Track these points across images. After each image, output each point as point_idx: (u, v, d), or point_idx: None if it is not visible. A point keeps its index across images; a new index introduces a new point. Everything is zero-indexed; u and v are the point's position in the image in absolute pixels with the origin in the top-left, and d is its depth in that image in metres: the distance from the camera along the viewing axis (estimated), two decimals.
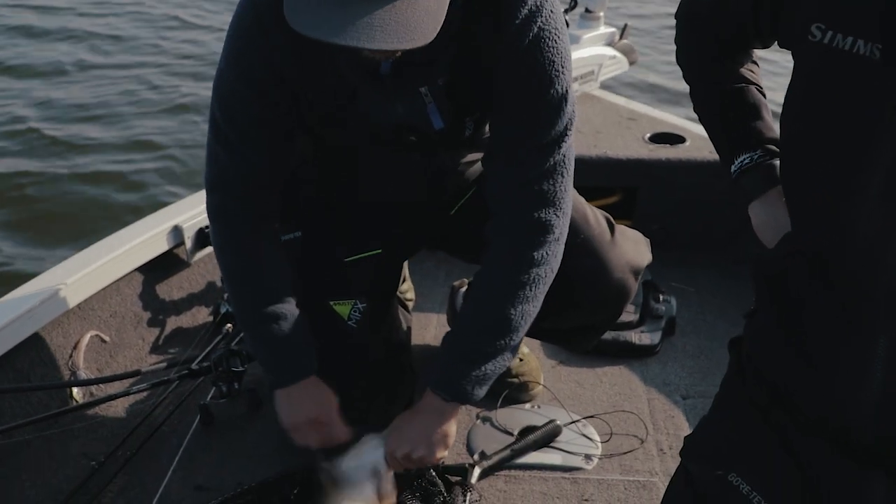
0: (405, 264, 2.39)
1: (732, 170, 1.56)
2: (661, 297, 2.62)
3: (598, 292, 1.92)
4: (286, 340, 1.80)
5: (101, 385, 2.28)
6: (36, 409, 2.14)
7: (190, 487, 2.01)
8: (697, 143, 3.09)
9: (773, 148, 1.51)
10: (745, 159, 1.53)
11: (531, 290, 1.70)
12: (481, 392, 1.72)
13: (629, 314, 2.54)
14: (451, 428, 1.78)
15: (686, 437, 1.50)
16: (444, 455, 1.80)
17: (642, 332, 2.52)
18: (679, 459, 1.46)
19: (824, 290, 1.29)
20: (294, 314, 1.80)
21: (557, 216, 1.70)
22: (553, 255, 1.71)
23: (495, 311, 1.69)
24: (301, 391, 1.81)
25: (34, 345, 2.22)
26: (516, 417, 2.21)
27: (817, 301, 1.31)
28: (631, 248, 1.98)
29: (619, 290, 1.94)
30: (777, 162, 1.47)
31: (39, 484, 2.01)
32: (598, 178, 2.98)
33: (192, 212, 2.59)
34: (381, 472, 1.77)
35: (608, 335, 2.49)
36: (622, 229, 2.02)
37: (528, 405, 2.28)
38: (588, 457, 2.08)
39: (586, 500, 1.96)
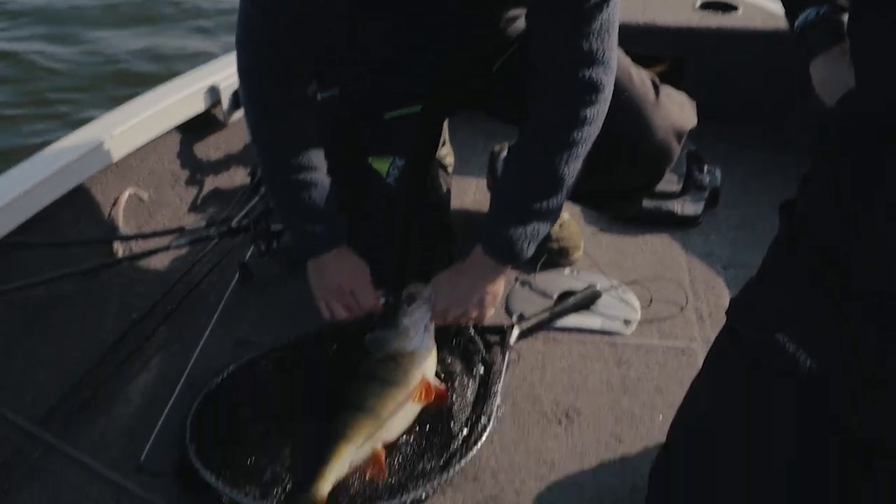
0: (445, 128, 2.33)
1: (796, 24, 1.49)
2: (705, 168, 2.55)
3: (641, 153, 1.86)
4: (317, 208, 1.77)
5: (140, 242, 2.27)
6: (76, 265, 2.14)
7: (229, 342, 2.02)
8: (750, 11, 2.96)
9: (842, 2, 1.43)
10: (810, 13, 1.46)
11: (578, 149, 1.65)
12: (529, 250, 1.70)
13: (672, 184, 2.48)
14: (499, 287, 1.76)
15: (732, 299, 1.46)
16: (490, 314, 1.77)
17: (685, 202, 2.47)
18: (718, 327, 1.42)
19: (891, 151, 1.23)
20: (325, 182, 1.76)
21: (606, 74, 1.63)
22: (600, 115, 1.66)
23: (543, 168, 1.64)
24: (332, 261, 1.79)
25: (73, 200, 2.21)
26: (555, 282, 2.18)
27: (881, 162, 1.25)
28: (676, 110, 1.90)
29: (662, 151, 1.87)
30: (844, 17, 1.40)
31: (82, 336, 2.03)
32: (645, 45, 2.87)
33: (228, 71, 2.53)
34: (429, 328, 1.76)
35: (650, 204, 2.44)
36: (667, 90, 1.94)
37: (567, 270, 2.25)
38: (627, 322, 2.06)
39: (624, 362, 1.94)
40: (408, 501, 1.57)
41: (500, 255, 1.70)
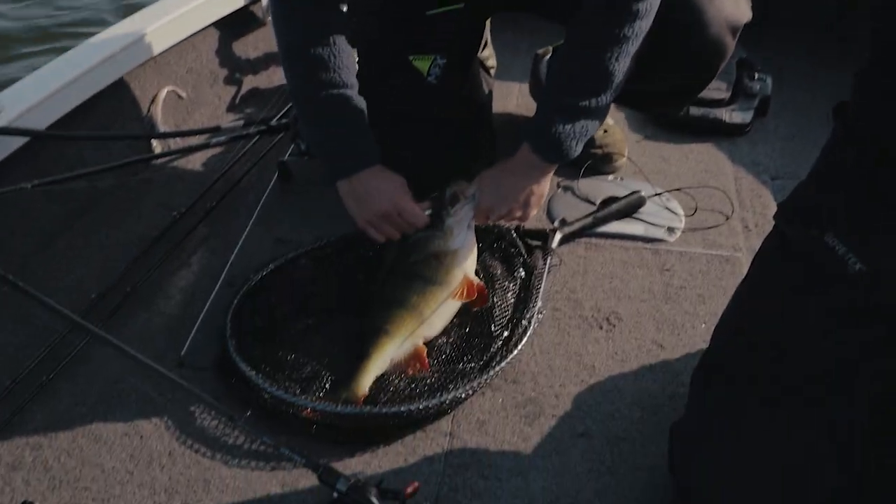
0: (487, 29, 2.26)
1: None
2: (755, 76, 2.46)
3: (693, 48, 1.77)
4: (349, 124, 1.70)
5: (179, 139, 2.25)
6: (116, 159, 2.12)
7: (269, 240, 2.00)
8: None
9: None
10: None
11: (629, 45, 1.58)
12: (577, 149, 1.65)
13: (720, 91, 2.40)
14: (544, 188, 1.73)
15: (781, 203, 1.41)
16: (534, 215, 1.76)
17: (733, 110, 2.39)
18: (763, 236, 1.38)
19: None
20: (357, 98, 1.70)
21: None
22: (652, 8, 1.58)
23: (593, 64, 1.58)
24: (370, 181, 1.72)
25: (113, 95, 2.18)
26: (598, 188, 2.14)
27: None
28: (730, 3, 1.81)
29: (716, 45, 1.79)
30: None
31: (123, 231, 2.03)
32: None
33: None
34: (471, 227, 1.73)
35: (697, 111, 2.37)
36: None
37: (610, 177, 2.20)
38: (671, 229, 2.01)
39: (667, 269, 1.91)
40: (447, 401, 1.56)
41: (547, 153, 1.66)
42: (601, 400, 1.61)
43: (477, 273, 1.78)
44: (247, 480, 1.48)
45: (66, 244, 1.98)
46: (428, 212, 1.73)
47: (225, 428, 1.56)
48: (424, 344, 1.65)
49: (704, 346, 1.66)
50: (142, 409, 1.60)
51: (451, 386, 1.58)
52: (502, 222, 1.84)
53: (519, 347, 1.67)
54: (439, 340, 1.69)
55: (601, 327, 1.77)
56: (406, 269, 1.71)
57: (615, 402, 1.61)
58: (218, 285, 1.85)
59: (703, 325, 1.77)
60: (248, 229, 2.01)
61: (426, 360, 1.62)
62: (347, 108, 1.68)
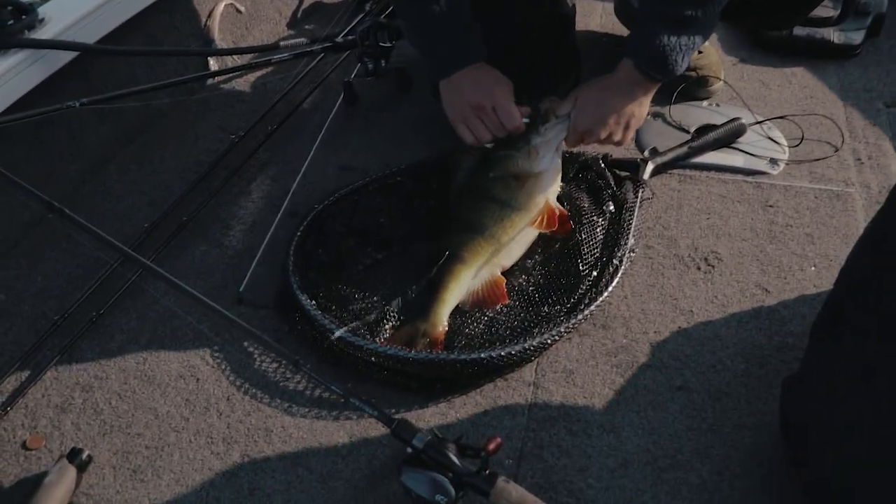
0: None
1: None
2: None
3: None
4: (452, 20, 1.56)
5: (237, 57, 2.08)
6: (170, 77, 1.96)
7: (334, 166, 1.84)
8: None
9: None
10: None
11: None
12: (683, 64, 1.47)
13: (828, 8, 2.16)
14: (645, 109, 1.57)
15: None
16: (631, 140, 1.60)
17: (842, 29, 2.15)
18: (879, 171, 1.17)
19: None
20: None
21: None
22: None
23: None
24: (469, 76, 1.58)
25: (168, 8, 2.03)
26: (693, 115, 1.93)
27: None
28: None
29: None
30: None
31: (180, 153, 1.89)
32: None
33: None
34: (559, 149, 1.56)
35: (801, 31, 2.14)
36: None
37: (705, 103, 1.99)
38: (774, 161, 1.81)
39: (771, 206, 1.71)
40: (531, 347, 1.40)
41: (651, 66, 1.48)
42: (700, 349, 1.44)
43: (560, 202, 1.61)
44: (311, 431, 1.35)
45: (118, 168, 1.84)
46: (525, 120, 1.56)
47: (287, 372, 1.43)
48: (502, 274, 1.51)
49: (814, 291, 1.49)
50: (198, 349, 1.47)
51: (535, 330, 1.42)
52: (592, 148, 1.65)
53: (609, 289, 1.51)
54: (521, 279, 1.53)
55: (699, 268, 1.58)
56: (483, 189, 1.57)
57: (716, 352, 1.43)
58: (279, 215, 1.71)
59: (813, 268, 1.58)
60: (311, 155, 1.86)
61: (504, 291, 1.48)
62: (446, 3, 1.53)
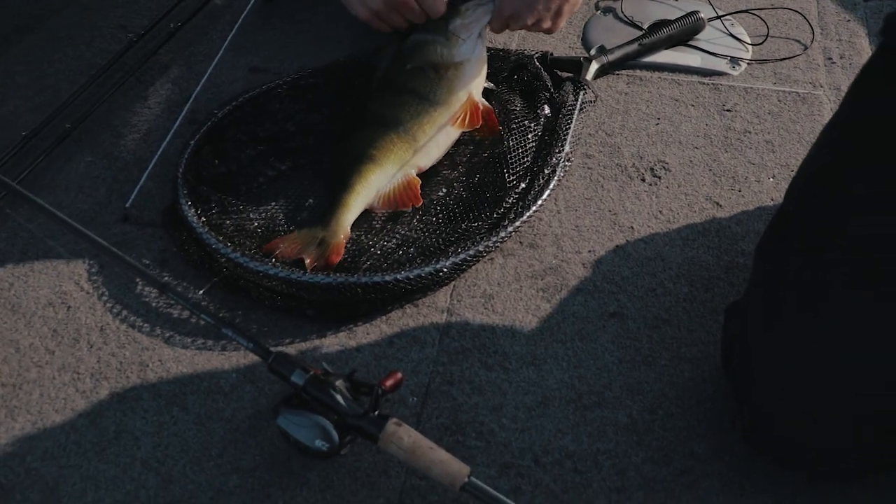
0: None
1: None
2: None
3: None
4: None
5: None
6: None
7: (244, 68, 1.63)
8: None
9: None
10: None
11: None
12: None
13: None
14: None
15: (888, 14, 1.00)
16: (562, 25, 1.42)
17: None
18: (851, 72, 0.98)
19: None
20: None
21: None
22: None
23: None
24: None
25: None
26: (648, 9, 1.72)
27: None
28: None
29: None
30: None
31: (71, 56, 1.67)
32: None
33: None
34: (483, 36, 1.38)
35: None
36: None
37: None
38: (734, 60, 1.61)
39: (728, 110, 1.51)
40: (446, 267, 1.21)
41: None
42: (640, 271, 1.26)
43: (486, 98, 1.42)
44: (192, 365, 1.17)
45: (2, 70, 1.61)
46: None
47: (170, 298, 1.23)
48: (418, 175, 1.34)
49: (772, 204, 1.31)
50: (72, 272, 1.28)
51: (451, 249, 1.23)
52: (529, 44, 1.44)
53: (539, 202, 1.31)
54: (441, 192, 1.34)
55: (643, 179, 1.39)
56: (398, 82, 1.39)
57: (657, 274, 1.25)
58: (178, 122, 1.50)
59: (771, 180, 1.39)
60: (218, 56, 1.64)
61: (418, 193, 1.31)
62: None
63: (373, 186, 1.31)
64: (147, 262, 1.30)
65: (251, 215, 1.32)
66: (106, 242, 1.10)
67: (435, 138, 1.36)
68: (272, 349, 1.03)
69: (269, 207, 1.35)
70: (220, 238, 1.26)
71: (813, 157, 1.06)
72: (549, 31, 1.42)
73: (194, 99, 1.55)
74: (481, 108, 1.38)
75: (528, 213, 1.30)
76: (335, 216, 1.27)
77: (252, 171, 1.40)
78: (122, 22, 1.74)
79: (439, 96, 1.36)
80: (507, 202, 1.31)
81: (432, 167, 1.38)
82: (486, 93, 1.45)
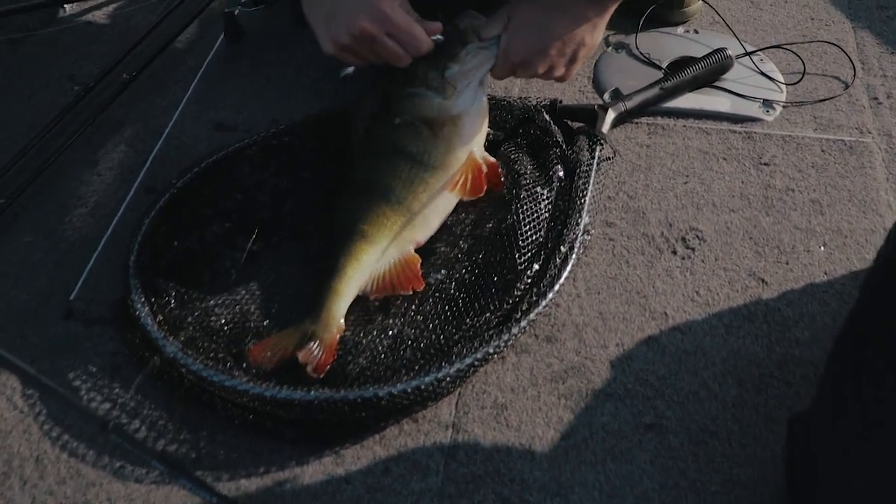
0: None
1: None
2: None
3: None
4: None
5: None
6: (8, 16, 1.54)
7: (208, 125, 1.45)
8: None
9: None
10: None
11: None
12: None
13: None
14: (596, 34, 1.20)
15: None
16: (573, 72, 1.24)
17: None
18: None
19: None
20: None
21: None
22: None
23: None
24: None
25: None
26: (664, 45, 1.55)
27: None
28: None
29: None
30: None
31: (7, 115, 1.47)
32: None
33: None
34: (485, 84, 1.21)
35: None
36: None
37: (681, 29, 1.60)
38: (768, 103, 1.43)
39: (766, 163, 1.33)
40: (450, 375, 1.02)
41: None
42: (678, 369, 1.08)
43: (491, 149, 1.27)
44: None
45: None
46: (436, 38, 1.15)
47: (124, 416, 1.05)
48: (417, 251, 1.17)
49: (825, 279, 1.13)
50: (3, 387, 1.09)
51: (455, 351, 1.04)
52: (536, 89, 1.27)
53: (556, 287, 1.12)
54: (439, 275, 1.15)
55: (674, 252, 1.21)
56: (387, 141, 1.21)
57: (699, 371, 1.07)
58: (132, 192, 1.31)
59: (822, 248, 1.21)
60: (179, 109, 1.45)
61: (419, 272, 1.14)
62: None
63: (366, 268, 1.13)
64: (94, 369, 1.10)
65: (217, 310, 1.13)
66: (32, 370, 0.91)
67: (433, 206, 1.19)
68: (220, 493, 0.84)
69: (239, 298, 1.16)
70: (180, 342, 1.07)
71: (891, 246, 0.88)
72: (561, 80, 1.24)
73: (151, 162, 1.37)
74: (485, 169, 1.20)
75: (544, 303, 1.11)
76: (325, 306, 1.09)
77: (218, 253, 1.21)
78: (68, 71, 1.55)
79: (435, 157, 1.19)
80: (518, 288, 1.12)
81: (427, 244, 1.20)
82: (491, 144, 1.27)
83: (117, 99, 1.46)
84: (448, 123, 1.19)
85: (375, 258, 1.14)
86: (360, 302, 1.13)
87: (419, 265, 1.15)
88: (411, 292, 1.13)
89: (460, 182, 1.19)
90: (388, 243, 1.15)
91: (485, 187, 1.20)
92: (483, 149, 1.24)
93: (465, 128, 1.20)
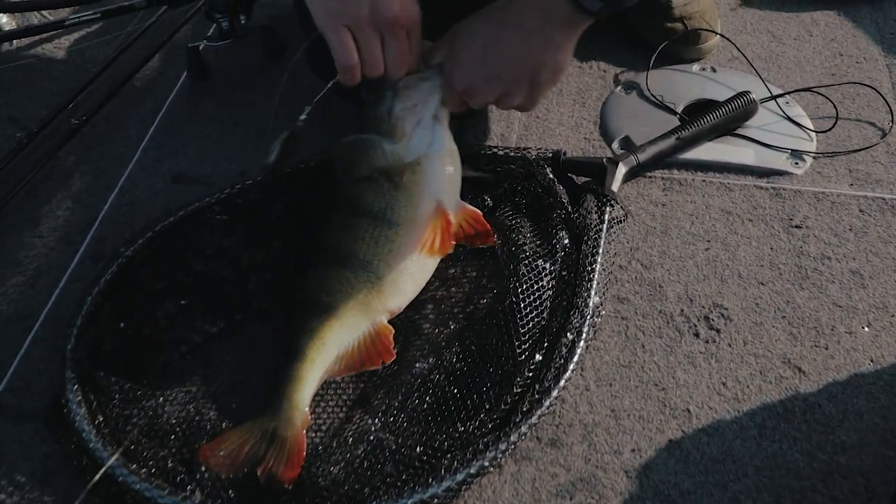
0: None
1: None
2: None
3: None
4: None
5: (38, 14, 1.50)
6: None
7: (166, 177, 1.30)
8: None
9: None
10: None
11: None
12: None
13: None
14: (562, 54, 1.02)
15: None
16: (540, 100, 1.08)
17: None
18: None
19: None
20: None
21: None
22: None
23: None
24: None
25: None
26: (679, 85, 1.41)
27: None
28: None
29: None
30: None
31: None
32: None
33: None
34: (441, 119, 1.07)
35: None
36: None
37: (696, 66, 1.45)
38: (797, 154, 1.29)
39: (797, 226, 1.19)
40: (438, 497, 0.87)
41: None
42: (705, 481, 0.93)
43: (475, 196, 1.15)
44: None
45: None
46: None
47: None
48: (391, 321, 1.04)
49: (871, 368, 0.99)
50: None
51: (443, 462, 0.90)
52: (537, 138, 1.12)
53: (562, 382, 0.97)
54: (426, 363, 1.00)
55: (697, 334, 1.07)
56: (347, 197, 1.08)
57: (729, 484, 0.93)
58: (76, 259, 1.16)
59: (866, 329, 1.07)
60: (135, 159, 1.30)
61: (390, 345, 1.01)
62: None
63: (332, 347, 1.00)
64: (22, 478, 0.95)
65: (168, 407, 0.99)
66: None
67: (404, 269, 1.05)
68: None
69: (194, 391, 1.03)
70: (122, 451, 0.92)
71: None
72: (523, 109, 1.09)
73: (100, 223, 1.22)
74: (454, 223, 1.06)
75: (548, 402, 0.96)
76: (286, 396, 0.96)
77: (171, 337, 1.07)
78: (10, 113, 1.40)
79: (398, 212, 1.05)
80: (518, 384, 0.97)
81: (412, 324, 1.06)
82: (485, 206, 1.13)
83: (65, 146, 1.31)
84: (406, 171, 1.05)
85: (342, 334, 1.01)
86: (332, 388, 0.99)
87: (392, 336, 1.02)
88: (380, 367, 1.00)
89: (428, 242, 1.05)
90: (356, 315, 1.02)
91: (451, 248, 1.06)
92: (457, 198, 1.09)
93: (426, 175, 1.06)
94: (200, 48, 1.43)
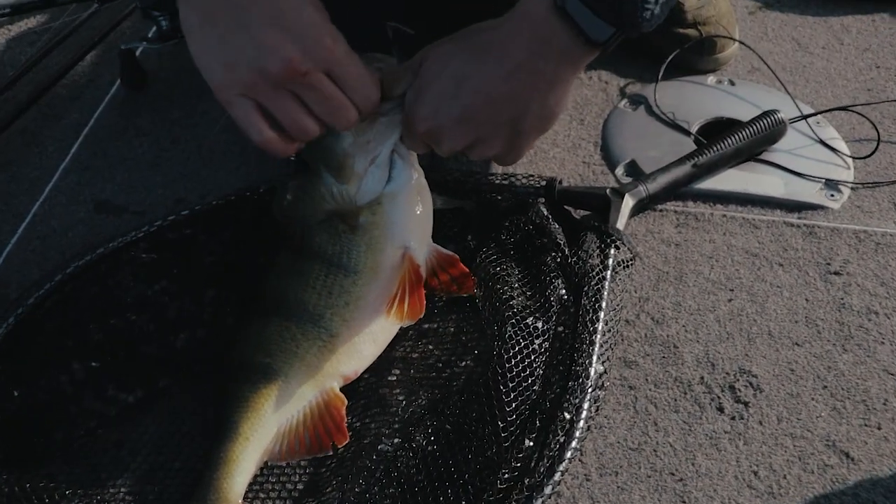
0: None
1: None
2: None
3: None
4: None
5: None
6: None
7: (88, 204, 1.13)
8: None
9: None
10: None
11: None
12: (658, 12, 0.76)
13: None
14: (559, 94, 0.84)
15: None
16: (529, 148, 0.91)
17: None
18: None
19: None
20: None
21: None
22: None
23: None
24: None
25: None
26: (693, 100, 1.25)
27: None
28: None
29: None
30: None
31: None
32: None
33: None
34: (404, 155, 0.91)
35: None
36: None
37: (712, 78, 1.28)
38: (832, 184, 1.12)
39: (836, 272, 1.03)
40: None
41: (585, 13, 0.76)
42: None
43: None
44: None
45: None
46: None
47: None
48: (343, 389, 0.89)
49: None
50: None
51: None
52: (536, 168, 0.96)
53: (558, 475, 0.79)
54: (390, 444, 0.83)
55: (720, 408, 0.90)
56: (300, 239, 0.93)
57: None
58: None
59: None
60: (52, 182, 1.12)
61: (343, 421, 0.86)
62: None
63: (270, 422, 0.85)
64: None
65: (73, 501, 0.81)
66: None
67: (363, 326, 0.90)
68: None
69: (104, 477, 0.84)
70: None
71: None
72: (502, 162, 0.92)
73: (5, 260, 1.04)
74: (423, 270, 0.91)
75: (540, 500, 0.78)
76: (213, 484, 0.80)
77: (79, 409, 0.89)
78: None
79: (356, 259, 0.90)
80: (502, 477, 0.79)
81: (373, 393, 0.89)
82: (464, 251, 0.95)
83: None
84: (364, 212, 0.90)
85: (286, 406, 0.86)
86: (275, 473, 0.84)
87: (344, 409, 0.86)
88: (331, 452, 0.85)
89: (395, 303, 0.89)
90: (301, 380, 0.87)
91: (422, 306, 0.90)
92: (428, 240, 0.94)
93: (388, 217, 0.91)
94: (137, 52, 1.25)
